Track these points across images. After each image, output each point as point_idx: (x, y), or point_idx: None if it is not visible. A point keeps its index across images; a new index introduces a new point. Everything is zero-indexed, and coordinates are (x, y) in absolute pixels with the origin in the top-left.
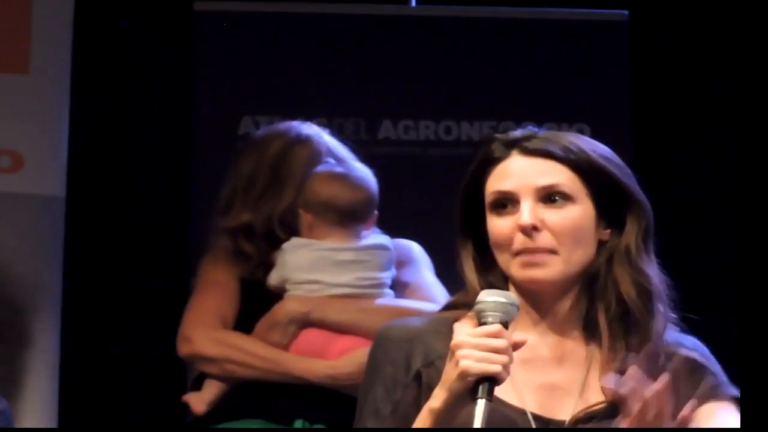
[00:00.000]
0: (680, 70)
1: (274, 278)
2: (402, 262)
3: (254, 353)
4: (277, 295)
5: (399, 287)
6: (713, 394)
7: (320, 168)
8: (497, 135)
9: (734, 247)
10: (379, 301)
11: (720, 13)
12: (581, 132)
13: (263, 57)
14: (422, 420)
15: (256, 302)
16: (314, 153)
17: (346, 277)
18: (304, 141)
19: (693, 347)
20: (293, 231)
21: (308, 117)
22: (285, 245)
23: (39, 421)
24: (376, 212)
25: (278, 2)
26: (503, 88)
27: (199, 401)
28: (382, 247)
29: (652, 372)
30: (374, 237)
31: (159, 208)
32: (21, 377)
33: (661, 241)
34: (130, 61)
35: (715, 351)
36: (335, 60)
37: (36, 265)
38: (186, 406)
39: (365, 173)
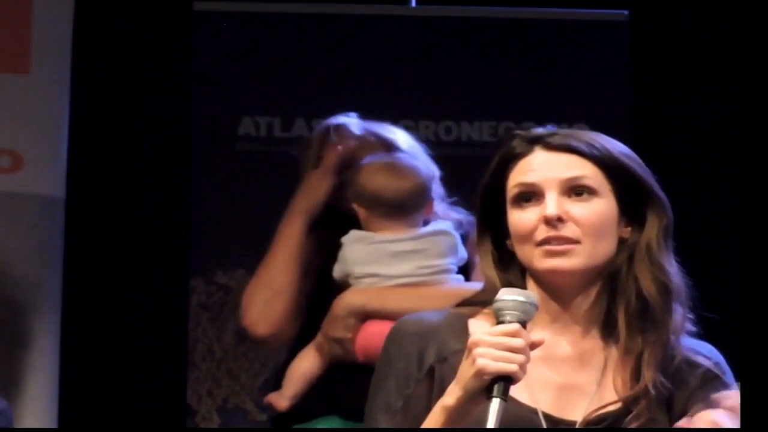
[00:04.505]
0: (680, 70)
1: (337, 272)
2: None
3: None
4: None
5: (472, 268)
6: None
7: (367, 159)
8: (518, 132)
9: (734, 247)
10: (442, 287)
11: (720, 13)
12: None
13: (263, 57)
14: (435, 417)
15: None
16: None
17: (405, 268)
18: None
19: (710, 355)
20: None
21: (308, 117)
22: (344, 239)
23: (39, 421)
24: (432, 197)
25: (278, 2)
26: (503, 88)
27: (280, 398)
28: (442, 233)
29: (665, 373)
30: (435, 224)
31: (159, 208)
32: (21, 377)
33: None
34: (129, 61)
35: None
36: (335, 60)
37: (36, 265)
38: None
39: (415, 159)
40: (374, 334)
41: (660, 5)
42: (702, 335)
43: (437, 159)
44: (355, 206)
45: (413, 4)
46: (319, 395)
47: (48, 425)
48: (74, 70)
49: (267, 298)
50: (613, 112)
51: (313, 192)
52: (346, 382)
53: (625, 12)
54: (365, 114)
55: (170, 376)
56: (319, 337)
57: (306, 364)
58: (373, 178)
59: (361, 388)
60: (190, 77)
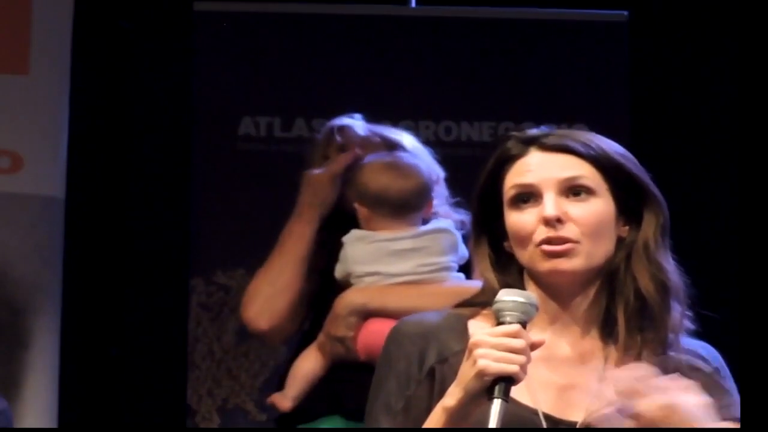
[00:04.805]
0: (680, 71)
1: (338, 272)
2: None
3: None
4: None
5: (473, 267)
6: (721, 414)
7: (369, 158)
8: (513, 133)
9: (734, 249)
10: (442, 285)
11: (720, 14)
12: None
13: (263, 57)
14: (436, 418)
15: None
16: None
17: (406, 266)
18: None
19: (709, 356)
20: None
21: (308, 117)
22: (345, 238)
23: (39, 421)
24: (432, 196)
25: (278, 2)
26: (503, 88)
27: (283, 398)
28: (442, 231)
29: (665, 372)
30: (436, 222)
31: (159, 209)
32: (21, 377)
33: None
34: (130, 62)
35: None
36: (335, 60)
37: (36, 265)
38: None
39: (416, 159)
40: (376, 332)
41: (660, 5)
42: (702, 334)
43: (437, 159)
44: (356, 205)
45: (413, 4)
46: (322, 395)
47: (48, 425)
48: (74, 70)
49: (270, 294)
50: (613, 112)
51: (322, 195)
52: (349, 382)
53: (625, 12)
54: (366, 114)
55: (170, 376)
56: (321, 337)
57: (308, 365)
58: (376, 178)
59: (364, 388)
60: (190, 77)
